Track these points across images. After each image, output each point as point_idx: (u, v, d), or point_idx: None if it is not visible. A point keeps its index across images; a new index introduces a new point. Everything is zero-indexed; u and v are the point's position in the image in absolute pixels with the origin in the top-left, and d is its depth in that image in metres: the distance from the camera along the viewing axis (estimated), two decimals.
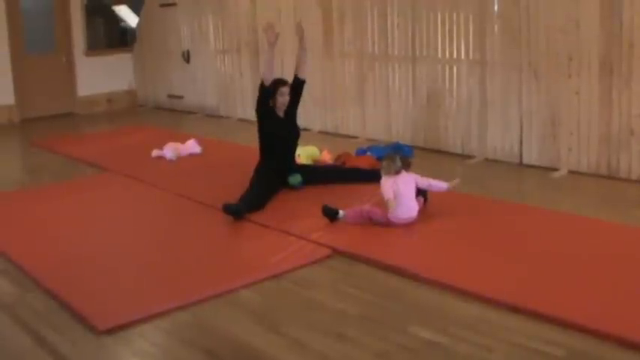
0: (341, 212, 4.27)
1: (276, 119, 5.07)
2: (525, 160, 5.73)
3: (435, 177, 5.07)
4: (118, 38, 10.50)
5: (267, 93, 4.97)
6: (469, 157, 6.08)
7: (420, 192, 4.39)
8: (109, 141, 7.54)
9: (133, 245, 4.14)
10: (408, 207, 4.18)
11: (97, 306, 3.27)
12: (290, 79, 5.24)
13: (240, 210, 4.43)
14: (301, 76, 5.21)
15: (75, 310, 3.23)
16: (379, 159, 4.50)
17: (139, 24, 10.24)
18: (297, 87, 5.19)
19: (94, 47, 9.95)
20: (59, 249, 4.11)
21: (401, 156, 4.29)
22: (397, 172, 4.20)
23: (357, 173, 5.03)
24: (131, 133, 7.96)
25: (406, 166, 4.25)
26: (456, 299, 3.22)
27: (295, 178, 5.05)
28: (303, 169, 5.21)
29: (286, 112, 5.11)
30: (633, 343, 2.73)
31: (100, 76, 9.91)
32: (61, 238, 4.32)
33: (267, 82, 4.95)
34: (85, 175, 6.10)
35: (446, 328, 2.95)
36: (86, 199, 5.25)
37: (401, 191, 4.16)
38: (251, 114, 7.65)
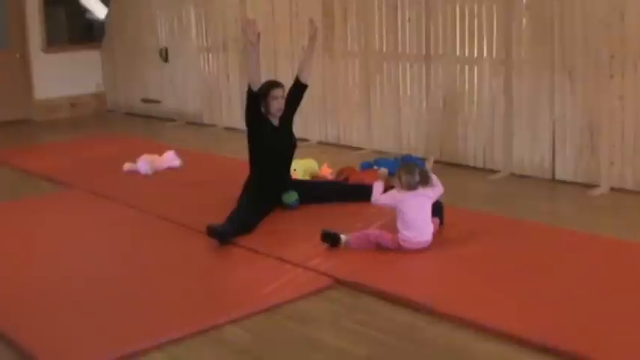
0: (343, 237, 4.28)
1: (270, 128, 5.10)
2: (559, 176, 5.76)
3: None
4: (84, 32, 10.51)
5: (256, 99, 5.01)
6: (492, 171, 6.11)
7: (436, 212, 4.42)
8: (73, 152, 7.56)
9: (101, 275, 4.15)
10: (421, 230, 4.20)
11: (55, 347, 3.27)
12: (287, 85, 5.25)
13: (226, 233, 4.46)
14: (304, 79, 5.25)
15: (26, 352, 3.22)
16: (391, 173, 4.53)
17: (108, 15, 10.29)
18: (298, 91, 5.24)
19: (54, 42, 9.95)
20: (9, 280, 4.11)
21: (421, 170, 4.30)
22: (413, 188, 4.22)
23: (361, 190, 5.05)
24: (99, 144, 7.99)
25: (424, 181, 4.26)
26: (478, 338, 3.23)
27: (290, 196, 5.08)
28: (300, 185, 5.24)
29: (281, 121, 5.15)
30: None
31: (61, 77, 9.91)
32: (12, 268, 4.31)
33: (256, 87, 4.98)
34: (44, 193, 6.12)
35: None
36: (45, 221, 5.27)
37: (411, 212, 4.18)
38: (239, 121, 7.68)
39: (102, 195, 5.81)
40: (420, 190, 4.24)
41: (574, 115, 5.61)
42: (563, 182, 5.70)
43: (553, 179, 5.78)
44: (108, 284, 4.00)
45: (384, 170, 4.52)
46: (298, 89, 5.26)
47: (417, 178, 4.23)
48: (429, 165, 4.44)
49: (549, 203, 5.38)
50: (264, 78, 5.27)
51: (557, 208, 5.29)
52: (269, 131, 5.10)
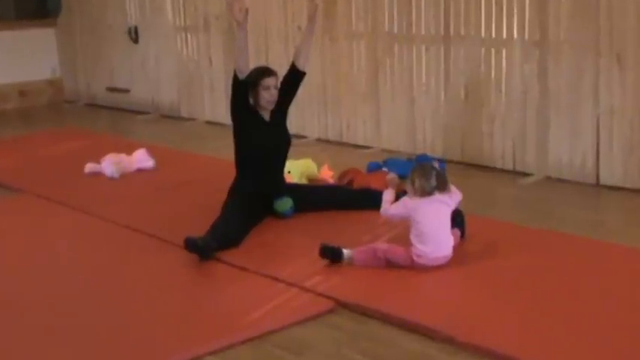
0: (346, 252, 4.33)
1: (260, 124, 5.15)
2: (604, 180, 5.80)
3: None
4: (35, 6, 10.47)
5: (244, 88, 5.06)
6: (524, 174, 6.16)
7: (456, 222, 4.47)
8: (23, 150, 7.61)
9: (57, 298, 4.16)
10: (439, 243, 4.24)
11: None
12: (280, 71, 5.29)
13: (208, 246, 4.49)
14: (301, 65, 5.29)
15: None
16: (403, 176, 4.58)
17: None
18: (293, 80, 5.29)
19: None
20: None
21: (437, 171, 4.35)
22: (428, 194, 4.27)
23: (368, 197, 5.10)
24: (55, 141, 8.03)
25: (442, 186, 4.31)
26: None
27: (284, 203, 5.14)
28: (295, 190, 5.29)
29: (273, 114, 5.20)
30: None
31: (8, 60, 9.92)
32: None
33: (243, 74, 5.02)
34: None
35: None
36: None
37: (427, 221, 4.22)
38: (224, 114, 7.73)
39: (58, 201, 5.85)
40: (437, 196, 4.27)
41: (623, 106, 5.63)
42: (610, 187, 5.74)
43: (597, 184, 5.82)
44: (66, 309, 4.02)
45: (392, 176, 4.57)
46: (294, 77, 5.30)
47: (434, 182, 4.26)
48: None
49: (593, 212, 5.41)
50: (253, 63, 5.32)
51: (602, 218, 5.33)
52: (259, 126, 5.14)
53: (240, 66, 5.03)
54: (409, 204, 4.29)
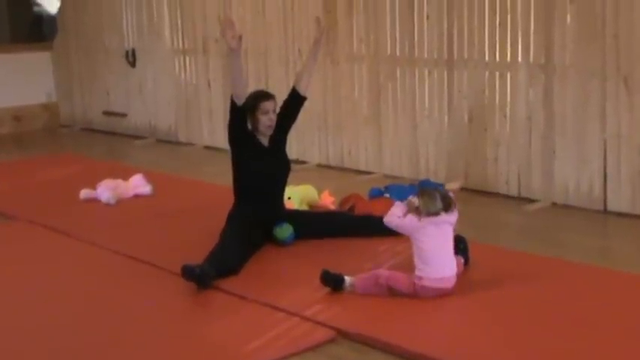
0: (347, 279, 4.34)
1: (258, 149, 5.18)
2: (611, 206, 5.81)
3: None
4: (31, 29, 10.54)
5: (241, 114, 5.08)
6: (530, 200, 6.17)
7: (459, 249, 4.48)
8: (17, 176, 7.62)
9: (50, 329, 4.15)
10: (442, 266, 4.24)
11: None
12: (279, 96, 5.32)
13: (205, 274, 4.49)
14: (302, 90, 5.32)
15: None
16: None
17: (61, 9, 10.37)
18: (294, 104, 5.32)
19: None
20: None
21: (442, 194, 4.37)
22: (434, 215, 4.29)
23: (370, 223, 5.11)
24: (50, 166, 8.06)
25: (447, 206, 4.32)
26: None
27: (284, 230, 5.15)
28: (296, 217, 5.31)
29: (272, 139, 5.23)
30: None
31: (2, 83, 9.96)
32: None
33: (240, 100, 5.05)
34: None
35: None
36: None
37: (431, 241, 4.23)
38: (222, 139, 7.75)
39: (52, 228, 5.85)
40: (443, 217, 4.29)
41: (631, 131, 5.66)
42: (617, 214, 5.75)
43: (605, 211, 5.83)
44: (59, 337, 4.03)
45: (414, 200, 4.51)
46: (295, 102, 5.33)
47: (439, 203, 4.28)
48: (453, 186, 4.48)
49: (600, 240, 5.42)
50: (252, 88, 5.34)
51: (609, 245, 5.34)
52: (257, 152, 5.16)
53: (236, 92, 5.04)
54: (416, 223, 4.28)
